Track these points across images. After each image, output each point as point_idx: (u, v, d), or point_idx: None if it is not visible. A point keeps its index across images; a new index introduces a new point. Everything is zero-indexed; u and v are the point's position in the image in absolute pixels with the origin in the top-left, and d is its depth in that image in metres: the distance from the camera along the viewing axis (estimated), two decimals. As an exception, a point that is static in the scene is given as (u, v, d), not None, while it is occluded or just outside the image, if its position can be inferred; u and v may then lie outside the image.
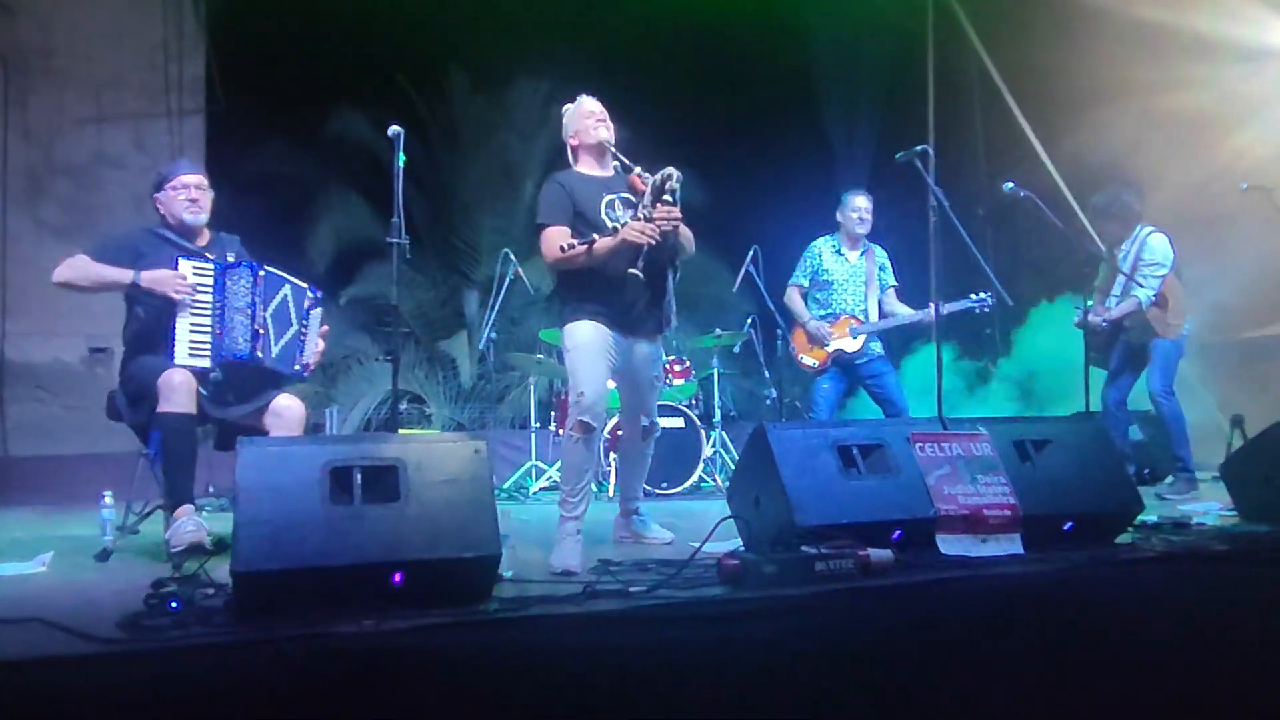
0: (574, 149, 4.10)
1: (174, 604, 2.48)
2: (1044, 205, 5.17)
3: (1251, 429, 7.17)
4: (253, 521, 2.50)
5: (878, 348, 5.76)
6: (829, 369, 5.77)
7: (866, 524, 3.16)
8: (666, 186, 3.72)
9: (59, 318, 7.82)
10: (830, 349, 5.73)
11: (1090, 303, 5.66)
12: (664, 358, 6.98)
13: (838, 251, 5.83)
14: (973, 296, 5.50)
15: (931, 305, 5.19)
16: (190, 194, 3.99)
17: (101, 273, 3.84)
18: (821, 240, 5.91)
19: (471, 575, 2.67)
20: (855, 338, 5.68)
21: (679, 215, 3.76)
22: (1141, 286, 5.62)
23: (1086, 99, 8.75)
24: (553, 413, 7.48)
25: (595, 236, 3.73)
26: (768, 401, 8.01)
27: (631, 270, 3.64)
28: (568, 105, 4.15)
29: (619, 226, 3.74)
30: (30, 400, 8.15)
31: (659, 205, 3.71)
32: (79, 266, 3.86)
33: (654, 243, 3.67)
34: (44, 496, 6.66)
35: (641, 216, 3.72)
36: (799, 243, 6.02)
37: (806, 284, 5.90)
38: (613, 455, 6.46)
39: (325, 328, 4.29)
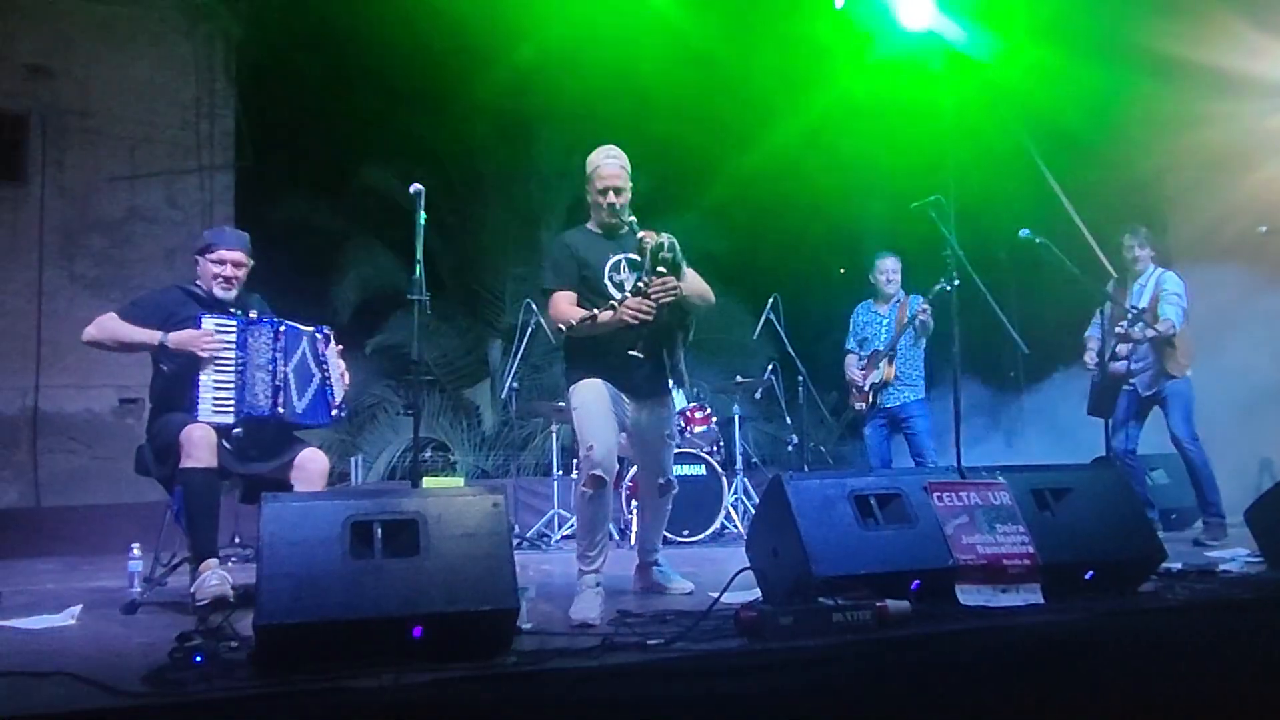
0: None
1: (198, 657, 2.51)
2: (1058, 250, 5.13)
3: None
4: (275, 576, 2.55)
5: (912, 395, 6.10)
6: (876, 415, 6.17)
7: (884, 574, 3.16)
8: (660, 257, 3.72)
9: (91, 370, 7.99)
10: (867, 387, 6.16)
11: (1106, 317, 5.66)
12: (684, 404, 7.05)
13: (869, 309, 6.43)
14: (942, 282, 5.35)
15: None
16: (227, 271, 4.04)
17: (129, 333, 3.91)
18: (860, 304, 6.51)
19: (490, 628, 2.69)
20: (878, 364, 6.11)
21: (675, 285, 3.74)
22: (1166, 318, 5.61)
23: (1108, 134, 8.77)
24: (574, 460, 7.49)
25: (596, 311, 3.74)
26: (789, 447, 8.00)
27: (631, 352, 3.69)
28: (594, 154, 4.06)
29: (616, 304, 3.73)
30: (62, 451, 8.28)
31: (654, 278, 3.71)
32: (107, 326, 3.92)
33: (649, 321, 3.68)
34: (74, 546, 6.77)
35: (640, 285, 3.73)
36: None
37: (853, 345, 6.42)
38: (634, 502, 6.46)
39: (343, 364, 4.27)
